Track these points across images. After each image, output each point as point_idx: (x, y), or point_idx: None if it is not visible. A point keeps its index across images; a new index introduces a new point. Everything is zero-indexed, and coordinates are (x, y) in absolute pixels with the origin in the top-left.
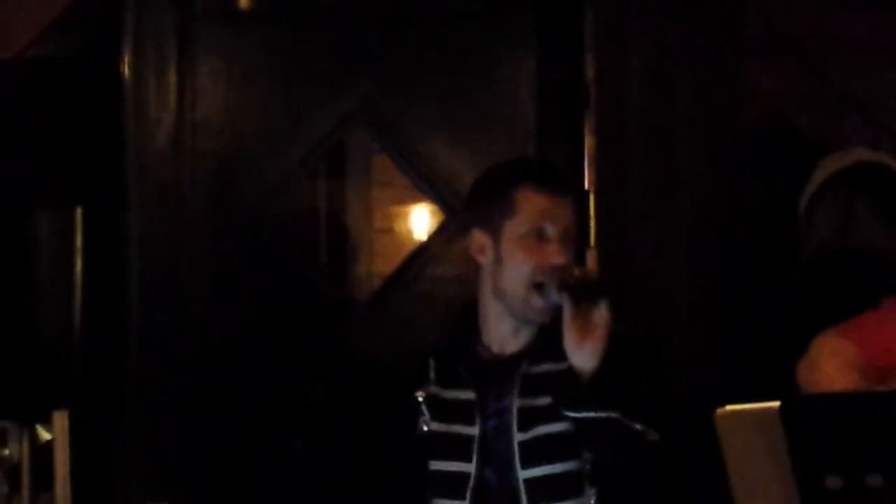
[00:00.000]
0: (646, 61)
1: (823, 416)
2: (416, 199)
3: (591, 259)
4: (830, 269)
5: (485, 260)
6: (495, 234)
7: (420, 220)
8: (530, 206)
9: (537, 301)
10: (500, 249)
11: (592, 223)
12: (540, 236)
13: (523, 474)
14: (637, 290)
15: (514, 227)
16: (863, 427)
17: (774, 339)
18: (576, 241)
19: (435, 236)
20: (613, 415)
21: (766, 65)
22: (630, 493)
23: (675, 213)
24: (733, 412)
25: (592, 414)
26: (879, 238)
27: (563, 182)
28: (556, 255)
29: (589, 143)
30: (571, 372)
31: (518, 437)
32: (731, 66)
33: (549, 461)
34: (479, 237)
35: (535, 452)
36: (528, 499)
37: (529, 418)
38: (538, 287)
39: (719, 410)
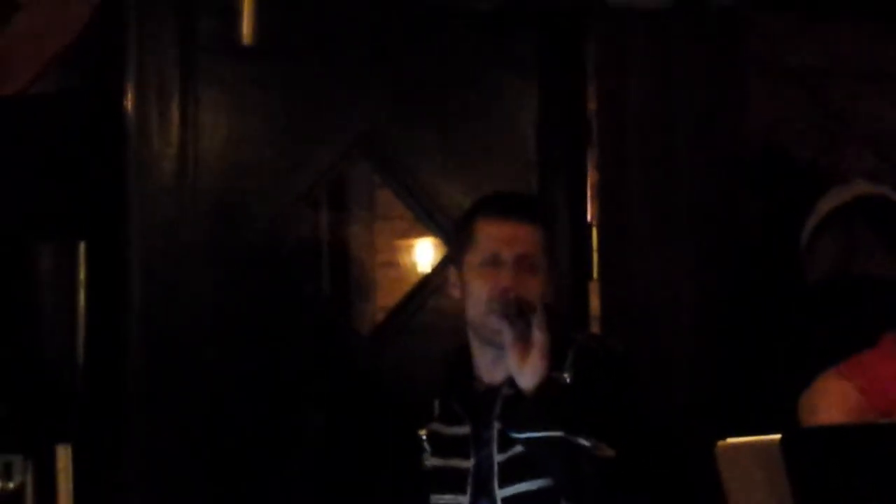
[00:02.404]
0: (648, 91)
1: (824, 449)
2: (418, 232)
3: (594, 291)
4: (833, 299)
5: (457, 294)
6: (460, 266)
7: (423, 253)
8: (485, 234)
9: (496, 323)
10: (464, 281)
11: (595, 255)
12: (495, 263)
13: (500, 493)
14: (640, 320)
15: (473, 257)
16: (863, 459)
17: (776, 367)
18: (546, 268)
19: (437, 269)
20: (557, 433)
21: (767, 94)
22: None
23: (678, 243)
24: (734, 445)
25: (536, 434)
26: (882, 268)
27: (519, 209)
28: (506, 280)
29: (592, 174)
30: (518, 394)
31: (497, 457)
32: (733, 95)
33: (525, 479)
34: (452, 273)
35: (511, 471)
36: None
37: (508, 439)
38: (494, 311)
39: (720, 443)
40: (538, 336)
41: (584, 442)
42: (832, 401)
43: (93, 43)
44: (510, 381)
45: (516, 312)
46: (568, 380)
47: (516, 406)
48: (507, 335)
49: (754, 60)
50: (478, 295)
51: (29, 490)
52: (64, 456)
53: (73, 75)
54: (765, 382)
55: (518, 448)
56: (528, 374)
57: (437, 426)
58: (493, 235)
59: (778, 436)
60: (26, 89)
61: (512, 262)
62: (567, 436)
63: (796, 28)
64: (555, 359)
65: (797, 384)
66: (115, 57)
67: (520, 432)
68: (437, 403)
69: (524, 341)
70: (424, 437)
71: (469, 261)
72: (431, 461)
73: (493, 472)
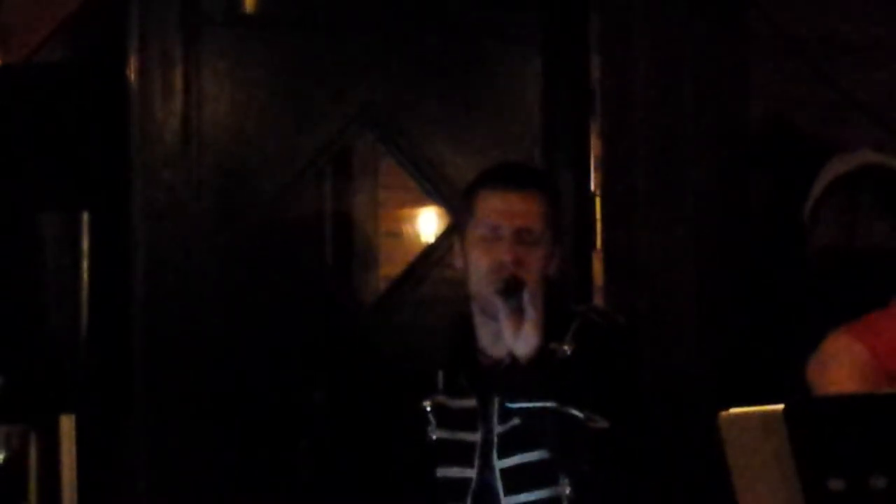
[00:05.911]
0: (651, 64)
1: (827, 418)
2: (422, 203)
3: (597, 261)
4: (836, 269)
5: (460, 264)
6: (462, 238)
7: (427, 224)
8: (485, 206)
9: (492, 298)
10: (465, 252)
11: (599, 226)
12: (495, 236)
13: (499, 464)
14: (643, 289)
15: (474, 229)
16: (866, 429)
17: (780, 339)
18: (549, 240)
19: (441, 239)
20: (549, 404)
21: (771, 67)
22: (594, 481)
23: (681, 215)
24: (737, 415)
25: (528, 405)
26: (885, 238)
27: (521, 180)
28: (504, 253)
29: (595, 145)
30: (513, 364)
31: (498, 428)
32: (736, 68)
33: (523, 450)
34: (455, 244)
35: (510, 442)
36: (504, 488)
37: (508, 411)
38: (492, 285)
39: (723, 413)
40: (530, 312)
41: (576, 413)
42: (842, 359)
43: (96, 11)
44: (513, 355)
45: (509, 289)
46: (568, 352)
47: (511, 376)
48: (501, 311)
49: (756, 32)
50: (477, 267)
51: (33, 460)
52: (67, 426)
53: (76, 44)
54: (769, 352)
55: (516, 420)
56: (521, 344)
57: (441, 398)
58: (492, 208)
59: (781, 405)
60: (30, 57)
61: (511, 235)
62: (559, 407)
63: None
64: (556, 331)
65: (800, 353)
66: (118, 26)
67: (513, 402)
68: (440, 375)
69: (518, 315)
70: (428, 410)
71: (470, 232)
72: (437, 433)
73: (493, 443)
